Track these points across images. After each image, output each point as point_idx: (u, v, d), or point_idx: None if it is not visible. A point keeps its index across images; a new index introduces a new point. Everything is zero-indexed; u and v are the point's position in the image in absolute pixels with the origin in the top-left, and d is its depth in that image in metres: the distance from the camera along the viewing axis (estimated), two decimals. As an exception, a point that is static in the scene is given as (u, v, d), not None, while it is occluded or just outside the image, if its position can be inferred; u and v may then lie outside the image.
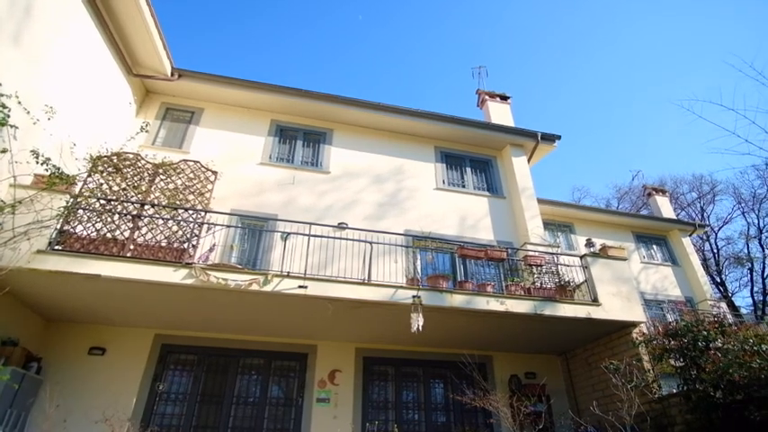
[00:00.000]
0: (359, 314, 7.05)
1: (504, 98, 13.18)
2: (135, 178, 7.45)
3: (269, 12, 43.90)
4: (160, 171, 7.64)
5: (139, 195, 7.31)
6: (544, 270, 8.26)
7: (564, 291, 7.76)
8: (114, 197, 7.05)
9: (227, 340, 7.84)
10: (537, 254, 8.44)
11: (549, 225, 13.45)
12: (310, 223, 7.45)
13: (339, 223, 8.78)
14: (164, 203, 7.29)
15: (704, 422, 5.62)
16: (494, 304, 7.04)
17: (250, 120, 10.37)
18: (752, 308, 22.35)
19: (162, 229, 7.03)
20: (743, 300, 23.95)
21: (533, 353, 9.09)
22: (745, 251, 23.50)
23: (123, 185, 7.29)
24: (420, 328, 6.26)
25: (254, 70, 48.59)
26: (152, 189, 7.47)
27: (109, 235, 6.55)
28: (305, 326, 7.61)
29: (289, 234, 7.31)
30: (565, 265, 8.38)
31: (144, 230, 6.90)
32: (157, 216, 7.05)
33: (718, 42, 35.92)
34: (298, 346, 8.08)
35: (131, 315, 7.15)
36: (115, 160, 7.37)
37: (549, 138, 11.71)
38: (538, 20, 44.90)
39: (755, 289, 22.94)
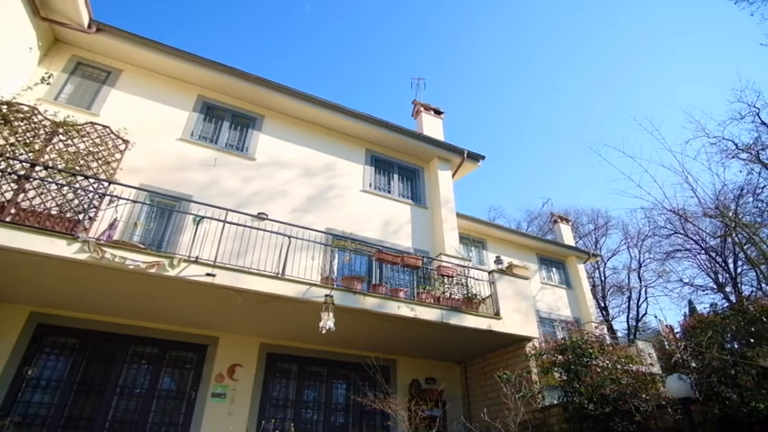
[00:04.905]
0: (268, 308, 6.83)
1: (438, 112, 13.61)
2: (28, 134, 6.57)
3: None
4: (60, 131, 6.82)
5: (31, 154, 6.45)
6: (455, 281, 8.63)
7: (470, 302, 8.17)
8: (-2, 152, 6.14)
9: (118, 325, 7.18)
10: (450, 265, 8.79)
11: (464, 239, 14.09)
12: (227, 209, 7.09)
13: (258, 213, 8.45)
14: (60, 167, 6.50)
15: (576, 431, 6.20)
16: (404, 310, 7.20)
17: (174, 91, 9.62)
18: (626, 331, 25.26)
19: (54, 195, 6.26)
20: (620, 324, 26.95)
21: (435, 359, 9.43)
22: (626, 281, 26.57)
23: (12, 140, 6.39)
24: (331, 328, 6.20)
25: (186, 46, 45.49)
26: (47, 149, 6.63)
27: (-15, 194, 5.69)
28: (208, 316, 7.20)
29: (202, 218, 6.88)
30: (474, 278, 8.83)
31: (32, 194, 6.09)
32: (50, 180, 6.25)
33: (630, 94, 40.35)
34: (197, 337, 7.62)
35: (2, 288, 6.26)
36: (5, 110, 6.44)
37: (475, 157, 12.30)
38: (480, 52, 47.26)
39: (631, 315, 26.01)
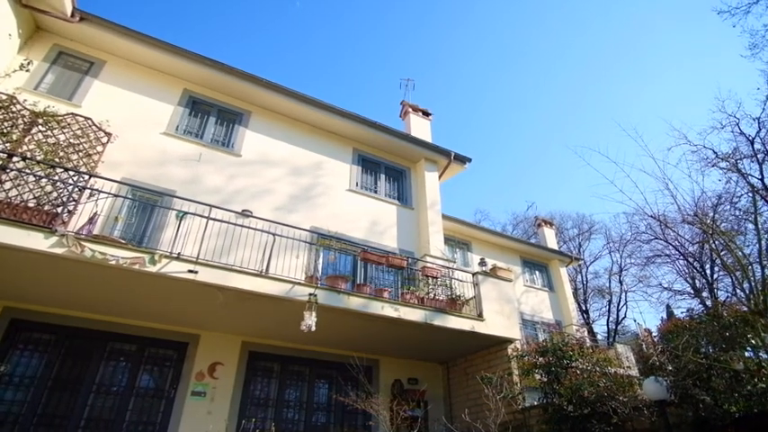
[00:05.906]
0: (251, 306, 6.77)
1: (426, 114, 13.65)
2: (5, 124, 6.38)
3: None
4: (40, 121, 6.65)
5: (8, 144, 6.27)
6: (439, 282, 8.66)
7: (454, 304, 8.20)
8: (-27, 141, 5.97)
9: (96, 321, 7.03)
10: (435, 266, 8.82)
11: (449, 240, 14.17)
12: (211, 206, 7.00)
13: (243, 210, 8.37)
14: (39, 158, 6.33)
15: (555, 432, 6.29)
16: (388, 310, 7.20)
17: (160, 84, 9.45)
18: (606, 335, 25.67)
19: (32, 187, 6.10)
20: (600, 327, 27.38)
21: (418, 359, 9.45)
22: (607, 285, 27.00)
23: (-12, 130, 6.21)
24: (312, 327, 6.17)
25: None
26: (26, 140, 6.46)
27: (-41, 184, 5.52)
28: (190, 313, 7.10)
29: (185, 213, 6.77)
30: (458, 279, 8.88)
31: (8, 186, 5.93)
32: (28, 172, 6.09)
33: (615, 101, 41.02)
34: (178, 335, 7.51)
35: (-25, 282, 6.08)
36: (-19, 99, 6.26)
37: (461, 159, 12.37)
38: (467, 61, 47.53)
39: (611, 319, 26.44)
